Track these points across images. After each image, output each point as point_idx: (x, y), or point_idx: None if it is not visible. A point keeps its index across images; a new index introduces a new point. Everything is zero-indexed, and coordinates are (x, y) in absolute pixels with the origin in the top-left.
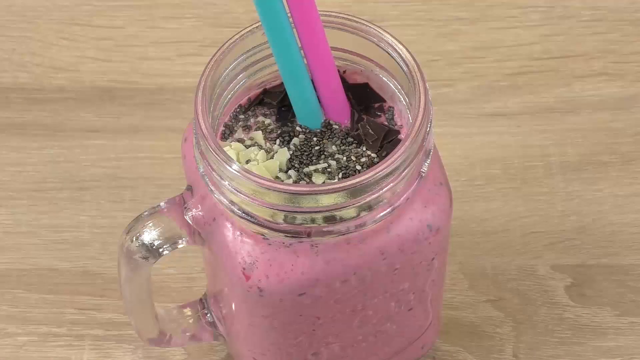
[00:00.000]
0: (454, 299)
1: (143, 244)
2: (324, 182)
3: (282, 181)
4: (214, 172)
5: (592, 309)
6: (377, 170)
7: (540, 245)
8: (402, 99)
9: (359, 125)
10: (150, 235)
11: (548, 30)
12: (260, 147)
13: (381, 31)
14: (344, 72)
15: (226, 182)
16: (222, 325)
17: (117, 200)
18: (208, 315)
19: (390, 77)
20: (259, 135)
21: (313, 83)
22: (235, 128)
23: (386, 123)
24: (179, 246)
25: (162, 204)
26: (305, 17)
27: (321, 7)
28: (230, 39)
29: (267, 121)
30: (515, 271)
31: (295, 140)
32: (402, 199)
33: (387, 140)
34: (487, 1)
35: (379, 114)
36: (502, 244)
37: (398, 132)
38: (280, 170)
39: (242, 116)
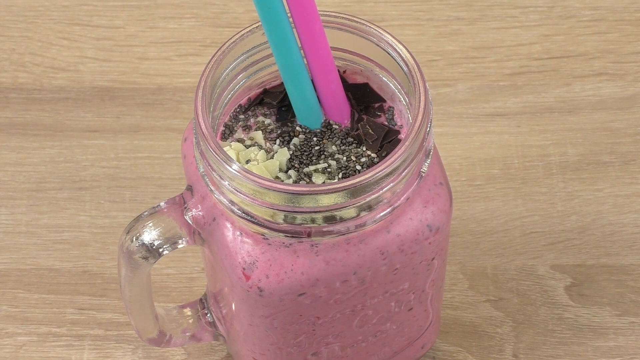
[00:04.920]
0: (454, 299)
1: (143, 244)
2: (324, 182)
3: (282, 181)
4: (214, 172)
5: (592, 309)
6: (377, 170)
7: (540, 245)
8: (402, 99)
9: (359, 125)
10: (150, 235)
11: (548, 30)
12: (260, 147)
13: (381, 31)
14: (344, 72)
15: (226, 182)
16: (222, 325)
17: (117, 200)
18: (208, 315)
19: (390, 77)
20: (259, 135)
21: (313, 83)
22: (235, 128)
23: (386, 123)
24: (179, 246)
25: (162, 204)
26: (305, 17)
27: (321, 7)
28: (230, 39)
29: (267, 121)
30: (515, 271)
31: (295, 140)
32: (402, 198)
33: (387, 140)
34: (487, 1)
35: (379, 114)
36: (502, 244)
37: (398, 132)
38: (280, 170)
39: (242, 116)
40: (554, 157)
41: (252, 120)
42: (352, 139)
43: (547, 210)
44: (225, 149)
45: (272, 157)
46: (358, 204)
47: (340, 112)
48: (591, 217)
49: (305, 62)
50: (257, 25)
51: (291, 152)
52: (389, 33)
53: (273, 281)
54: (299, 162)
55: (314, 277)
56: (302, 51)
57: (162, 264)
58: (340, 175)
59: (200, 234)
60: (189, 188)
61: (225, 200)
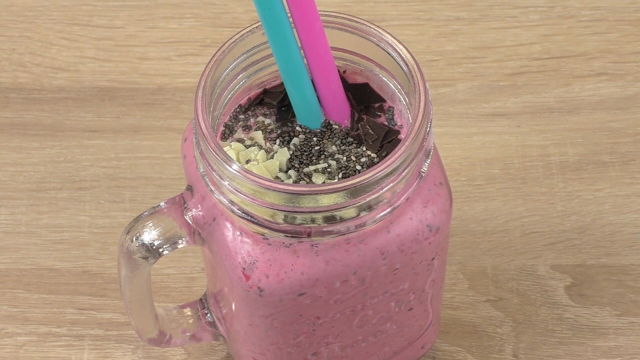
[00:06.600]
0: (454, 299)
1: (143, 244)
2: (324, 182)
3: (282, 181)
4: (214, 172)
5: (592, 309)
6: (377, 170)
7: (540, 245)
8: (402, 99)
9: (359, 125)
10: (150, 235)
11: (548, 30)
12: (260, 147)
13: (381, 31)
14: (344, 72)
15: (226, 182)
16: (222, 325)
17: (117, 200)
18: (208, 315)
19: (390, 77)
20: (259, 135)
21: (313, 83)
22: (235, 128)
23: (386, 123)
24: (179, 246)
25: (162, 204)
26: (305, 17)
27: (321, 7)
28: (230, 39)
29: (267, 121)
30: (515, 271)
31: (295, 140)
32: (402, 199)
33: (387, 140)
34: (487, 1)
35: (379, 114)
36: (502, 244)
37: (398, 132)
38: (280, 170)
39: (242, 116)
40: (554, 157)
41: (252, 120)
42: (352, 139)
43: (547, 210)
44: (225, 149)
45: (272, 157)
46: (358, 204)
47: (340, 112)
48: (591, 217)
49: (305, 62)
50: (257, 25)
51: (291, 152)
52: (389, 33)
53: (273, 281)
54: (299, 162)
55: (314, 277)
56: (302, 51)
57: (162, 264)
58: (340, 175)
59: (200, 234)
60: (189, 188)
61: (225, 200)
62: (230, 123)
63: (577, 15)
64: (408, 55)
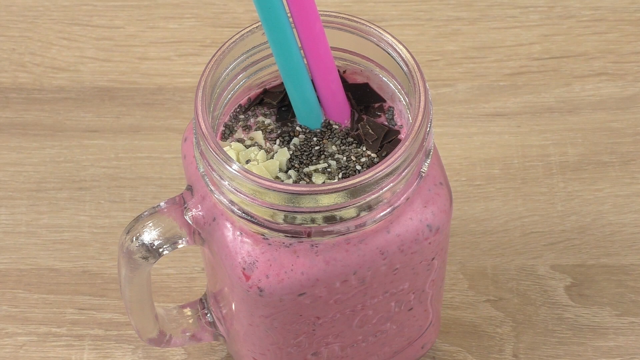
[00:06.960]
0: (454, 299)
1: (143, 244)
2: (324, 182)
3: (282, 181)
4: (214, 172)
5: (592, 309)
6: (377, 170)
7: (540, 245)
8: (402, 99)
9: (359, 125)
10: (150, 235)
11: (548, 30)
12: (260, 147)
13: (381, 31)
14: (344, 72)
15: (226, 182)
16: (222, 325)
17: (117, 200)
18: (208, 315)
19: (390, 77)
20: (259, 135)
21: (313, 83)
22: (235, 128)
23: (386, 123)
24: (179, 246)
25: (162, 204)
26: (305, 17)
27: (321, 7)
28: (230, 39)
29: (267, 121)
30: (515, 271)
31: (295, 140)
32: (402, 198)
33: (387, 140)
34: (487, 1)
35: (379, 114)
36: (502, 244)
37: (398, 132)
38: (280, 170)
39: (242, 116)
40: (554, 157)
41: (252, 120)
42: (352, 139)
43: (547, 210)
44: (225, 149)
45: (272, 157)
46: (358, 204)
47: (340, 112)
48: (591, 217)
49: (305, 62)
50: (257, 25)
51: (291, 152)
52: (389, 33)
53: (273, 281)
54: (299, 162)
55: (314, 277)
56: (302, 51)
57: (162, 264)
58: (340, 175)
59: (200, 234)
60: (189, 188)
61: (225, 200)
62: (230, 123)
63: (577, 15)
64: (408, 55)
